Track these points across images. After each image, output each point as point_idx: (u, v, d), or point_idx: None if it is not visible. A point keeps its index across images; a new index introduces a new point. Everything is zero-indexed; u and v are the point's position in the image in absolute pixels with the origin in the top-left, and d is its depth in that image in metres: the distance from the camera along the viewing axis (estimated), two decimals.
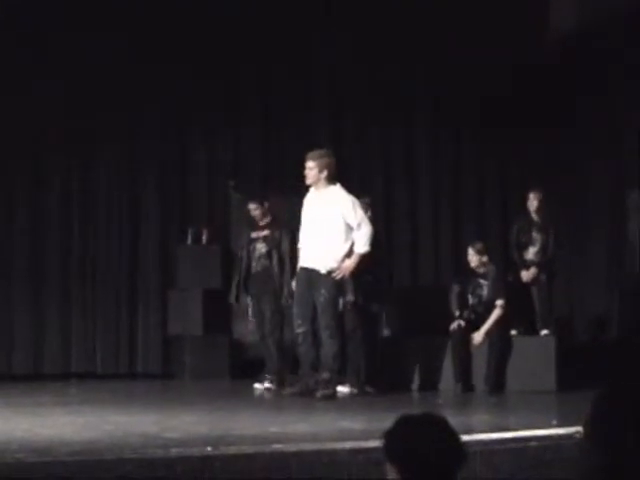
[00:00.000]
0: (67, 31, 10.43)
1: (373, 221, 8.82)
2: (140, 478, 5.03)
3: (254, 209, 9.35)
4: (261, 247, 9.27)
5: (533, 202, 9.71)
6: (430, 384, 9.15)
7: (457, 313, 9.26)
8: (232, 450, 5.37)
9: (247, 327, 9.82)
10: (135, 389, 9.79)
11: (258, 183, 10.64)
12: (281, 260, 9.17)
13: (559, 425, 6.05)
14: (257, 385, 9.11)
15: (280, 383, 8.99)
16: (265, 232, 9.29)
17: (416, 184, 11.31)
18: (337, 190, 8.42)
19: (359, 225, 8.36)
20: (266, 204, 9.37)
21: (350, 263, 8.37)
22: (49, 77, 10.38)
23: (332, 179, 8.41)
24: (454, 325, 9.22)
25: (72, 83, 10.47)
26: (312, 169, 8.35)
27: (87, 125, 10.67)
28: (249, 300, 9.39)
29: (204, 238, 10.56)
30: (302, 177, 8.46)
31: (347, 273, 8.38)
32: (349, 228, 8.36)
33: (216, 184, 10.96)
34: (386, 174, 11.30)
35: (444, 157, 11.38)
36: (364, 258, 8.39)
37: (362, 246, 8.37)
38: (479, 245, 9.36)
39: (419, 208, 11.30)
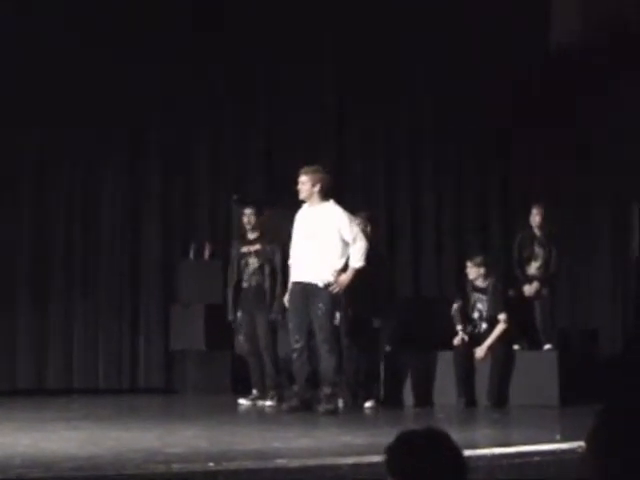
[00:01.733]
0: (69, 40, 10.46)
1: (375, 235, 8.85)
2: None
3: (250, 214, 9.33)
4: (253, 262, 9.26)
5: (536, 217, 9.72)
6: (432, 399, 9.15)
7: (460, 327, 9.26)
8: (234, 465, 5.37)
9: (239, 342, 9.78)
10: (137, 404, 9.78)
11: (261, 198, 10.65)
12: (273, 274, 9.18)
13: (562, 440, 6.04)
14: (242, 400, 9.12)
15: (279, 398, 8.99)
16: (256, 246, 9.28)
17: (419, 199, 11.34)
18: (332, 206, 8.49)
19: (354, 240, 8.42)
20: (258, 216, 9.36)
21: (346, 277, 8.42)
22: (55, 83, 10.42)
23: (325, 195, 8.48)
24: (457, 340, 9.22)
25: (74, 94, 10.48)
26: (305, 184, 8.43)
27: (89, 139, 10.70)
28: (239, 315, 9.34)
29: (206, 253, 10.57)
30: (297, 193, 8.51)
31: (343, 287, 8.41)
32: (345, 243, 8.41)
33: (218, 199, 10.97)
34: (389, 189, 11.32)
35: (447, 172, 11.40)
36: (359, 273, 8.43)
37: (357, 261, 8.42)
38: (478, 258, 9.37)
39: (422, 223, 11.32)
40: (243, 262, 9.31)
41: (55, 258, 10.73)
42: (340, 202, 8.64)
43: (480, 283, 9.27)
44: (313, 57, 10.99)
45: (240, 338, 9.61)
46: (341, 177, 11.09)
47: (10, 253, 10.59)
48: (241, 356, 9.62)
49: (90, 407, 9.30)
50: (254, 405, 9.11)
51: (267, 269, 9.20)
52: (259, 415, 8.76)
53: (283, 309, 8.86)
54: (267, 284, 9.17)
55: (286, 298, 8.65)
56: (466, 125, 11.05)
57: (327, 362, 8.38)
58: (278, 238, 9.23)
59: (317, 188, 8.41)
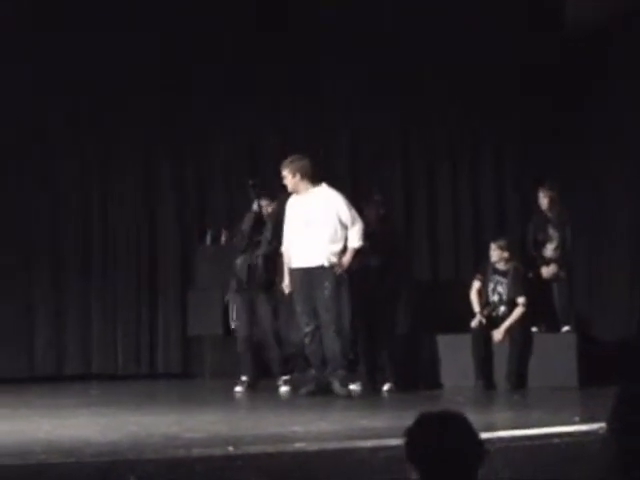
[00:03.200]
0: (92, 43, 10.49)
1: (388, 218, 8.89)
2: (162, 478, 5.05)
3: (266, 205, 9.32)
4: (260, 249, 9.22)
5: (543, 200, 9.72)
6: (450, 381, 9.15)
7: (478, 310, 9.26)
8: (254, 449, 5.37)
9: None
10: (156, 389, 9.84)
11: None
12: (275, 261, 9.19)
13: (581, 422, 6.03)
14: (237, 388, 9.07)
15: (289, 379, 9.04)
16: (263, 234, 9.25)
17: (436, 182, 11.31)
18: (326, 190, 8.57)
19: (353, 221, 8.49)
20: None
21: (347, 258, 8.49)
22: (74, 80, 10.47)
23: (313, 179, 8.55)
24: (475, 322, 9.21)
25: (93, 86, 10.53)
26: (286, 177, 8.53)
27: (106, 125, 10.74)
28: (238, 298, 9.27)
29: (223, 239, 10.57)
30: None
31: (345, 268, 8.46)
32: (343, 225, 8.47)
33: (235, 185, 10.97)
34: (406, 172, 11.30)
35: (463, 158, 11.37)
36: (358, 253, 8.51)
37: (357, 241, 8.51)
38: (502, 241, 9.37)
39: (439, 207, 11.30)
40: (252, 248, 9.26)
41: (73, 244, 10.78)
42: (356, 185, 8.68)
43: (501, 266, 9.27)
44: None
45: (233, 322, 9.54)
46: (355, 161, 11.11)
47: (28, 239, 10.64)
48: (260, 340, 9.54)
49: (109, 393, 9.37)
50: (249, 391, 9.08)
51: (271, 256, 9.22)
52: (277, 399, 8.76)
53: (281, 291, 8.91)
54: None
55: (285, 284, 8.64)
56: (482, 108, 11.01)
57: (335, 344, 8.41)
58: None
59: (298, 177, 8.49)
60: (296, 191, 8.57)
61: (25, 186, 10.63)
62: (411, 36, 10.88)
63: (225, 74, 10.85)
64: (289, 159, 8.59)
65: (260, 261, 9.10)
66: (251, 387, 9.10)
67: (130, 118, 10.78)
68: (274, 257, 9.03)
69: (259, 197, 9.14)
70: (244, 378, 9.16)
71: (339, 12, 10.88)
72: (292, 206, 8.64)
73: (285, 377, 9.12)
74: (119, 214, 10.94)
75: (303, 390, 8.59)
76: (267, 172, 10.67)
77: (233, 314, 9.34)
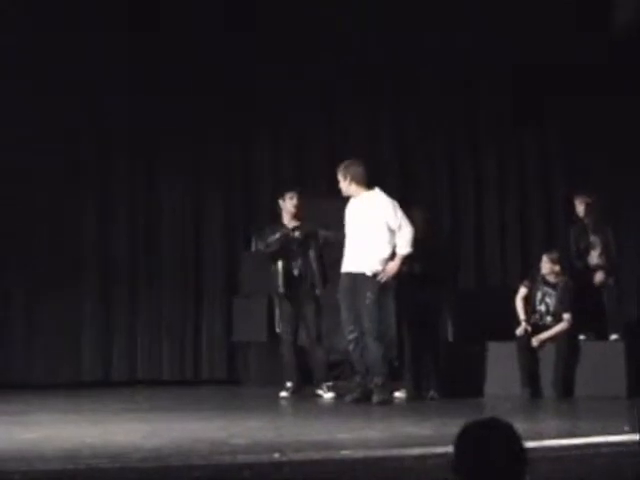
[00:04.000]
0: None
1: (433, 226, 8.89)
2: None
3: (295, 199, 9.31)
4: (297, 251, 9.23)
5: (579, 207, 9.73)
6: (496, 390, 9.11)
7: (523, 317, 9.22)
8: (300, 456, 5.38)
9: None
10: (201, 395, 9.85)
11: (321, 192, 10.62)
12: (311, 265, 9.20)
13: (631, 431, 5.98)
14: (283, 393, 9.11)
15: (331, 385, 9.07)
16: (298, 235, 9.24)
17: (483, 190, 11.25)
18: (376, 194, 8.62)
19: (400, 227, 8.51)
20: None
21: (394, 265, 8.51)
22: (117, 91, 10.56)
23: (364, 185, 8.61)
24: (520, 329, 9.18)
25: (133, 91, 10.62)
26: (340, 182, 8.63)
27: (152, 133, 10.81)
28: (286, 303, 9.27)
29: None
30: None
31: (391, 275, 8.46)
32: (391, 231, 8.46)
33: (280, 192, 10.99)
34: (452, 181, 11.25)
35: (510, 166, 11.29)
36: (406, 259, 8.52)
37: (404, 247, 8.50)
38: (554, 254, 9.36)
39: (485, 214, 11.24)
40: (288, 251, 9.28)
41: (120, 253, 10.85)
42: (405, 196, 8.70)
43: (552, 278, 9.26)
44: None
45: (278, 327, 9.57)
46: (405, 171, 11.05)
47: (76, 248, 10.72)
48: (304, 346, 9.56)
49: (154, 398, 9.39)
50: (294, 396, 9.09)
51: (311, 259, 9.24)
52: (321, 406, 8.77)
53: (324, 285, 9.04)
54: (313, 274, 9.22)
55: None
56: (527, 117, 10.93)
57: (374, 352, 8.44)
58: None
59: (349, 181, 8.57)
60: (348, 195, 8.64)
61: (73, 198, 10.71)
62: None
63: (263, 74, 10.79)
64: (344, 164, 8.67)
65: (313, 261, 9.16)
66: (295, 393, 9.12)
67: (175, 125, 10.81)
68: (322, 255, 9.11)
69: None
70: (289, 384, 9.18)
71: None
72: (347, 212, 8.72)
73: (328, 383, 9.13)
74: (165, 222, 10.99)
75: (348, 397, 8.59)
76: (312, 178, 10.75)
77: (278, 319, 9.38)
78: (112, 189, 10.91)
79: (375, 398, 8.37)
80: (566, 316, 9.16)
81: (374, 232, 8.49)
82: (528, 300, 9.30)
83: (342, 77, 10.95)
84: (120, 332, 10.82)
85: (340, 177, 8.63)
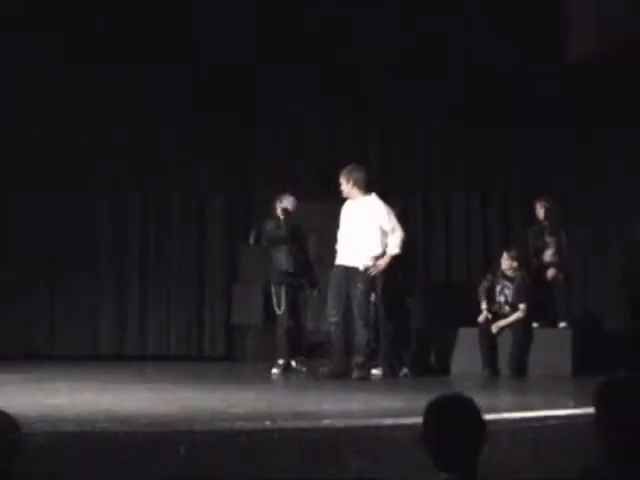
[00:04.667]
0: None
1: (407, 228, 8.90)
2: (208, 448, 5.07)
3: (288, 203, 9.31)
4: (294, 246, 9.22)
5: (540, 211, 9.71)
6: (460, 369, 9.13)
7: (484, 306, 9.25)
8: (288, 425, 5.39)
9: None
10: (203, 370, 9.85)
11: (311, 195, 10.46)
12: (307, 259, 9.24)
13: (575, 406, 6.01)
14: (275, 370, 9.12)
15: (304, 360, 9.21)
16: (297, 234, 9.24)
17: (451, 196, 11.17)
18: (373, 199, 8.61)
19: (393, 230, 8.54)
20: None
21: (383, 262, 8.52)
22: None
23: (364, 190, 8.59)
24: (482, 317, 9.20)
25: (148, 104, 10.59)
26: (343, 184, 8.57)
27: (161, 135, 10.75)
28: (282, 292, 9.26)
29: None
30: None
31: (379, 271, 8.50)
32: (383, 233, 8.49)
33: (276, 192, 10.94)
34: (426, 188, 11.16)
35: (476, 177, 11.22)
36: (394, 259, 8.53)
37: (394, 248, 8.54)
38: (513, 252, 9.38)
39: (453, 216, 11.18)
40: (284, 246, 9.27)
41: (133, 244, 10.85)
42: (383, 198, 8.65)
43: (510, 273, 9.29)
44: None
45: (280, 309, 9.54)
46: (387, 177, 10.95)
47: (94, 238, 10.72)
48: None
49: (162, 372, 9.38)
50: (285, 373, 9.10)
51: (302, 254, 9.25)
52: (308, 381, 8.76)
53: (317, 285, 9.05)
54: (303, 267, 9.21)
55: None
56: (495, 135, 10.82)
57: (361, 335, 8.48)
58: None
59: (351, 185, 8.53)
60: (348, 197, 8.61)
61: (91, 195, 10.70)
62: None
63: (262, 78, 10.65)
64: (348, 168, 8.62)
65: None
66: (285, 369, 9.13)
67: (183, 129, 10.74)
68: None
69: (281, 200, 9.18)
70: (280, 361, 9.19)
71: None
72: (344, 211, 8.70)
73: (301, 358, 9.19)
74: (174, 217, 10.98)
75: (322, 370, 8.60)
76: (307, 179, 10.68)
77: (280, 302, 9.31)
78: (126, 188, 10.89)
79: (355, 374, 8.39)
80: (522, 306, 9.20)
81: (368, 232, 8.51)
82: (489, 292, 9.32)
83: (341, 79, 10.66)
84: (133, 313, 10.82)
85: (343, 180, 8.57)
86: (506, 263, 9.30)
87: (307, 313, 9.80)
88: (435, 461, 2.95)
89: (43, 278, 10.64)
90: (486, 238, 10.98)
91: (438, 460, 2.94)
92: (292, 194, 9.35)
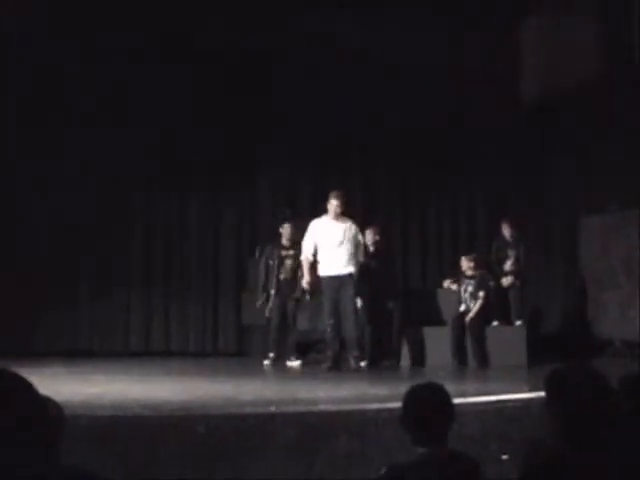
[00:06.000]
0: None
1: (386, 242, 8.97)
2: (222, 429, 5.07)
3: (288, 228, 9.35)
4: (289, 263, 9.24)
5: (504, 230, 9.78)
6: (434, 361, 9.10)
7: (463, 308, 9.22)
8: (289, 409, 5.40)
9: (260, 313, 9.58)
10: (218, 364, 9.82)
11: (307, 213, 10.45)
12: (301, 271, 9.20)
13: (529, 391, 6.02)
14: (266, 361, 9.12)
15: (298, 357, 9.12)
16: (291, 252, 9.27)
17: (426, 214, 11.17)
18: (348, 220, 8.69)
19: (360, 243, 8.72)
20: (294, 230, 9.36)
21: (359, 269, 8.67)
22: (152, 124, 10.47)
23: (343, 212, 8.65)
24: (455, 315, 9.19)
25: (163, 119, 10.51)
26: (336, 205, 8.59)
27: (184, 168, 10.69)
28: (273, 299, 9.25)
29: (257, 253, 10.52)
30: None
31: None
32: (357, 246, 8.65)
33: (276, 213, 10.93)
34: (403, 208, 11.12)
35: (448, 198, 11.19)
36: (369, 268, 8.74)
37: (362, 257, 8.75)
38: (470, 255, 9.45)
39: (428, 232, 11.17)
40: (281, 262, 9.27)
41: (158, 257, 10.82)
42: (364, 216, 8.70)
43: (470, 272, 9.30)
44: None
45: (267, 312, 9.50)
46: (368, 194, 10.88)
47: (125, 253, 10.69)
48: (297, 328, 9.50)
49: (183, 365, 9.35)
50: (274, 364, 9.08)
51: (299, 269, 9.22)
52: (305, 373, 8.72)
53: (303, 292, 8.97)
54: (297, 279, 9.15)
55: (304, 282, 8.69)
56: (475, 163, 10.66)
57: (353, 333, 8.46)
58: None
59: (340, 208, 8.57)
60: (333, 216, 8.59)
61: (122, 217, 10.64)
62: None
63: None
64: (338, 192, 8.66)
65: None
66: (275, 362, 9.09)
67: (200, 156, 10.63)
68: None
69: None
70: (271, 355, 9.17)
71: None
72: (323, 227, 8.65)
73: (296, 355, 9.14)
74: (192, 234, 10.96)
75: (323, 365, 8.57)
76: (304, 204, 10.62)
77: (269, 308, 9.33)
78: (153, 210, 10.85)
79: (352, 366, 8.38)
80: (481, 294, 9.18)
81: (352, 247, 8.59)
82: (458, 293, 9.33)
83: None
84: (158, 315, 10.79)
85: (338, 201, 8.57)
86: (465, 264, 9.32)
87: (304, 315, 9.72)
88: (413, 438, 2.96)
89: (84, 285, 10.55)
90: (455, 250, 10.96)
91: (415, 437, 2.95)
92: (290, 222, 9.35)
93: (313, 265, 8.71)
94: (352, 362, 8.41)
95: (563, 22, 9.55)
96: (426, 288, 10.81)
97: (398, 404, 3.05)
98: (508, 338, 9.15)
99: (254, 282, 10.49)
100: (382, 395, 6.18)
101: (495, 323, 9.36)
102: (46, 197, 10.19)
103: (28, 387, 1.62)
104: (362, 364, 8.59)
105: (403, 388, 3.07)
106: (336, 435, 5.10)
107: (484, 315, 9.20)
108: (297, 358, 9.14)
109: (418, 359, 9.14)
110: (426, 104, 10.28)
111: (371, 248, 9.19)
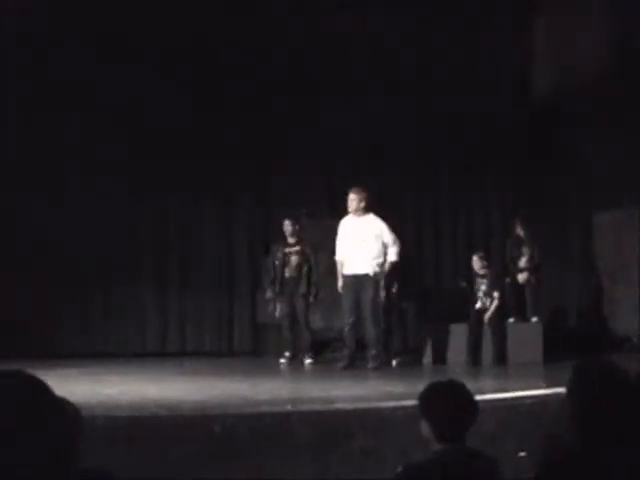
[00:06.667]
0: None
1: (402, 242, 8.92)
2: (238, 428, 5.07)
3: (288, 225, 9.34)
4: (294, 259, 9.24)
5: (517, 227, 9.77)
6: (452, 358, 9.07)
7: (479, 305, 9.19)
8: (306, 407, 5.40)
9: (272, 314, 9.62)
10: (234, 363, 9.83)
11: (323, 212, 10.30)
12: (310, 270, 9.16)
13: (546, 387, 5.99)
14: (282, 360, 9.13)
15: (315, 355, 9.08)
16: (297, 248, 9.26)
17: (439, 215, 11.13)
18: (373, 217, 8.52)
19: (393, 243, 8.50)
20: (298, 226, 9.33)
21: (386, 269, 8.49)
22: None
23: (367, 208, 8.49)
24: (478, 304, 9.17)
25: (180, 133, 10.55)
26: (353, 200, 8.46)
27: (198, 168, 10.67)
28: (277, 296, 9.29)
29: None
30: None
31: (383, 276, 8.47)
32: (384, 245, 8.46)
33: (291, 213, 10.90)
34: (417, 211, 11.11)
35: (462, 201, 11.16)
36: (394, 266, 8.52)
37: (394, 256, 8.52)
38: (480, 253, 9.44)
39: (442, 232, 11.14)
40: (286, 259, 9.28)
41: (174, 258, 10.84)
42: (380, 216, 8.62)
43: (482, 271, 9.27)
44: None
45: (277, 313, 9.50)
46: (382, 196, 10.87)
47: (139, 256, 10.69)
48: (313, 327, 9.50)
49: (199, 365, 9.36)
50: (290, 363, 9.08)
51: (305, 266, 9.17)
52: (320, 371, 8.69)
53: (316, 293, 8.92)
54: (303, 277, 9.13)
55: (339, 285, 8.61)
56: (483, 163, 10.67)
57: (372, 331, 8.41)
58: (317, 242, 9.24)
59: (362, 204, 8.44)
60: (355, 212, 8.50)
61: (139, 222, 10.63)
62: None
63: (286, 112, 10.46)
64: (359, 188, 8.50)
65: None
66: (291, 360, 9.09)
67: (216, 163, 10.63)
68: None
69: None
70: (287, 354, 9.17)
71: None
72: (347, 225, 8.58)
73: (310, 354, 9.11)
74: (208, 235, 10.96)
75: (340, 364, 8.55)
76: (314, 203, 10.61)
77: (277, 309, 9.35)
78: (168, 210, 10.86)
79: (370, 365, 8.35)
80: (496, 294, 9.16)
81: (373, 246, 8.45)
82: (472, 292, 9.31)
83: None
84: (174, 316, 10.80)
85: (354, 197, 8.45)
86: (477, 264, 9.29)
87: (318, 314, 9.71)
88: (435, 434, 2.92)
89: (98, 286, 10.57)
90: (470, 250, 10.91)
91: (437, 433, 2.92)
92: (293, 219, 9.33)
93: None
94: (370, 362, 8.38)
95: (566, 21, 9.51)
96: (441, 286, 10.79)
97: (414, 402, 3.03)
98: (524, 335, 9.12)
99: (268, 282, 10.50)
100: (398, 393, 6.15)
101: (511, 320, 9.33)
102: (64, 198, 10.13)
103: (45, 389, 1.62)
104: (376, 364, 8.55)
105: (419, 386, 3.05)
106: (352, 434, 5.09)
107: (501, 313, 9.18)
108: (311, 357, 9.13)
109: (439, 357, 9.09)
110: (438, 104, 10.26)
111: None
